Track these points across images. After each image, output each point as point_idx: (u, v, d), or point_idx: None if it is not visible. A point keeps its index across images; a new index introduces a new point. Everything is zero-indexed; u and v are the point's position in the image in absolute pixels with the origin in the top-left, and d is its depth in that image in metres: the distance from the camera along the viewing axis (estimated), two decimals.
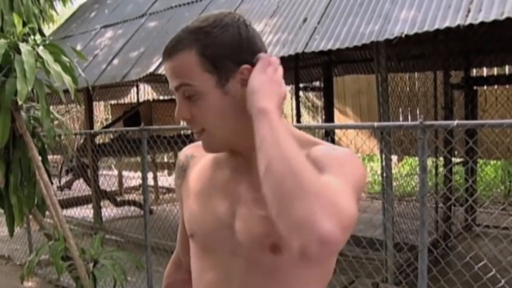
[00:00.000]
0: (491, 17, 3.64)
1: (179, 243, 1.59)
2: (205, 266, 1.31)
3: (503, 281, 3.35)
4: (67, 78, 3.70)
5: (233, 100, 1.19)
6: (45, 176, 3.89)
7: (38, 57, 3.61)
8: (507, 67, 8.04)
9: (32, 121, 4.10)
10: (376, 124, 3.18)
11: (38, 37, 4.30)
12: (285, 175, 0.97)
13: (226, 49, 1.19)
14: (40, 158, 3.93)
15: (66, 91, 3.85)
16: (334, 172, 1.09)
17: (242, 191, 1.26)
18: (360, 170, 1.16)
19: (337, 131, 7.03)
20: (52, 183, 4.28)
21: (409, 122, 4.31)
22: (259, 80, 1.16)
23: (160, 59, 5.98)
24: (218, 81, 1.18)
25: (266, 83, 1.15)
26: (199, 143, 1.41)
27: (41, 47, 3.68)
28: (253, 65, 1.20)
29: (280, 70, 1.21)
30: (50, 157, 4.70)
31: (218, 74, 1.18)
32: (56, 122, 4.34)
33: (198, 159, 1.41)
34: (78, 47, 7.76)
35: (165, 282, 1.64)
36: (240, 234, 1.24)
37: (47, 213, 4.24)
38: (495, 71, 8.20)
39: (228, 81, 1.19)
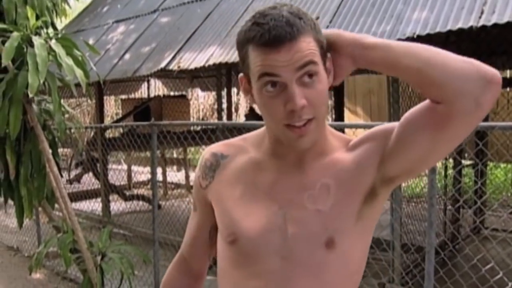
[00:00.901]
0: (504, 19, 3.62)
1: (188, 247, 1.52)
2: (248, 274, 1.26)
3: (510, 284, 3.34)
4: (79, 72, 3.71)
5: (327, 86, 1.22)
6: (55, 168, 3.92)
7: (50, 50, 3.62)
8: None
9: (43, 114, 4.12)
10: (386, 124, 3.18)
11: (50, 30, 4.31)
12: (434, 49, 1.12)
13: (322, 41, 1.19)
14: (50, 151, 3.96)
15: (77, 85, 3.87)
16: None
17: (293, 193, 1.25)
18: None
19: (346, 130, 7.01)
20: (62, 176, 4.30)
21: None
22: (329, 30, 1.24)
23: (172, 54, 6.01)
24: (324, 66, 1.19)
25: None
26: (226, 141, 1.41)
27: (53, 41, 3.70)
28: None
29: None
30: (60, 150, 4.73)
31: (324, 59, 1.19)
32: (67, 116, 4.36)
33: (230, 159, 1.35)
34: (91, 41, 7.79)
35: (168, 287, 1.56)
36: (295, 235, 1.22)
37: (56, 205, 4.27)
38: (507, 73, 8.16)
39: (325, 66, 1.20)
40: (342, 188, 1.22)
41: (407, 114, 1.18)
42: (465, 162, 6.67)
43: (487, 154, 5.79)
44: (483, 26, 3.72)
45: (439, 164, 5.69)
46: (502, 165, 9.57)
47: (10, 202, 4.22)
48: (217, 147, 1.41)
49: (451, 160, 6.50)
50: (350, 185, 1.22)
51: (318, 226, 1.21)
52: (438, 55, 1.10)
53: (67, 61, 3.64)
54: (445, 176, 6.37)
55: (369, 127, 4.03)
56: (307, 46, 1.13)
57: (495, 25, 3.66)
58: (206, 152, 1.42)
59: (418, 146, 1.15)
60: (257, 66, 1.15)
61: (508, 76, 8.04)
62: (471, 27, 3.74)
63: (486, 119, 6.71)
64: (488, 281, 3.43)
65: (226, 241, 1.30)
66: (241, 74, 1.25)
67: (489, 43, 6.21)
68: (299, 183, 1.24)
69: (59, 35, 3.95)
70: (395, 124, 1.21)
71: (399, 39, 4.07)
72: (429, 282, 3.05)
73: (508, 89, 7.34)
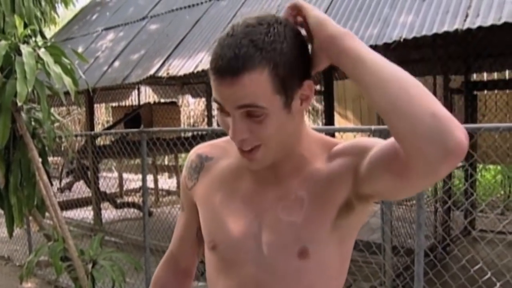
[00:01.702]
0: (488, 22, 3.66)
1: (177, 245, 1.55)
2: (227, 278, 1.29)
3: (498, 284, 3.37)
4: (67, 80, 3.72)
5: (292, 117, 1.15)
6: (45, 177, 3.92)
7: (38, 59, 3.63)
8: (507, 72, 8.06)
9: (32, 122, 4.12)
10: (373, 127, 3.21)
11: (39, 39, 4.32)
12: (408, 85, 1.01)
13: (292, 66, 1.11)
14: (40, 159, 3.95)
15: (67, 93, 3.88)
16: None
17: (268, 203, 1.25)
18: None
19: (335, 134, 7.05)
20: (52, 184, 4.30)
21: None
22: (319, 12, 1.13)
23: (161, 61, 6.02)
24: (285, 102, 1.12)
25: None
26: (212, 142, 1.42)
27: (42, 49, 3.71)
28: (311, 79, 1.16)
29: None
30: (50, 159, 4.73)
31: (286, 94, 1.11)
32: (57, 124, 4.37)
33: (214, 162, 1.36)
34: (80, 50, 7.78)
35: (158, 284, 1.58)
36: (268, 244, 1.24)
37: (46, 214, 4.26)
38: (495, 75, 8.22)
39: (293, 100, 1.13)
40: (316, 201, 1.22)
41: (381, 146, 1.11)
42: None
43: (474, 156, 5.83)
44: (469, 29, 3.76)
45: None
46: (492, 167, 9.63)
47: (0, 211, 4.21)
48: (203, 148, 1.42)
49: None
50: (324, 198, 1.21)
51: (291, 236, 1.22)
52: (409, 100, 0.98)
53: (55, 69, 3.64)
54: None
55: (358, 131, 4.03)
56: (250, 87, 1.07)
57: (480, 28, 3.71)
58: (192, 152, 1.43)
59: (383, 184, 1.12)
60: (212, 85, 1.14)
61: (495, 78, 8.10)
62: (456, 30, 3.78)
63: (474, 121, 6.77)
64: (477, 282, 3.45)
65: (208, 247, 1.33)
66: None
67: (475, 46, 6.26)
68: (274, 194, 1.25)
69: (48, 44, 3.96)
70: (376, 142, 1.16)
71: (385, 43, 4.12)
72: (418, 283, 3.07)
73: (495, 91, 7.40)
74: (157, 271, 1.60)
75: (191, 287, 1.61)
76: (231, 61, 1.07)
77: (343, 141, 1.29)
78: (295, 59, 1.11)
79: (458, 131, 0.95)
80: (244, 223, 1.27)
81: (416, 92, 0.99)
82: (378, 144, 1.14)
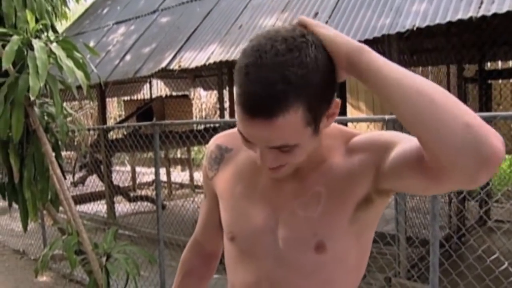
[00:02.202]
0: (504, 9, 3.60)
1: (201, 230, 1.59)
2: (244, 269, 1.32)
3: None
4: (79, 74, 3.72)
5: (319, 136, 1.14)
6: (58, 171, 3.92)
7: (50, 53, 3.63)
8: None
9: (45, 117, 4.13)
10: (387, 117, 3.17)
11: (51, 33, 4.32)
12: (434, 96, 0.94)
13: (324, 94, 1.06)
14: (53, 153, 3.96)
15: (79, 87, 3.88)
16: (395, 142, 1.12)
17: (285, 198, 1.25)
18: None
19: (349, 124, 7.01)
20: (65, 178, 4.31)
21: None
22: (327, 29, 1.07)
23: (173, 54, 6.01)
24: (314, 130, 1.09)
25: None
26: (231, 132, 1.42)
27: (54, 43, 3.71)
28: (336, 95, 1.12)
29: None
30: (64, 153, 4.73)
31: (315, 123, 1.08)
32: (69, 119, 4.37)
33: (234, 153, 1.37)
34: (91, 44, 7.80)
35: (184, 267, 1.62)
36: (284, 239, 1.24)
37: (60, 208, 4.28)
38: (510, 64, 8.13)
39: (320, 123, 1.10)
40: (334, 196, 1.20)
41: (408, 147, 1.06)
42: None
43: None
44: (483, 16, 3.70)
45: None
46: (507, 157, 9.54)
47: (15, 205, 4.23)
48: (222, 138, 1.42)
49: None
50: (342, 194, 1.19)
51: (307, 231, 1.22)
52: (436, 111, 0.92)
53: (67, 63, 3.64)
54: None
55: (371, 120, 4.00)
56: (284, 128, 1.02)
57: (495, 15, 3.65)
58: (212, 142, 1.44)
59: (411, 182, 1.08)
60: (236, 114, 1.08)
61: (510, 66, 8.00)
62: (470, 18, 3.72)
63: (488, 110, 6.70)
64: (494, 272, 3.42)
65: (227, 237, 1.36)
66: None
67: (491, 33, 6.18)
68: (292, 188, 1.25)
69: (60, 38, 3.96)
70: (398, 137, 1.13)
71: (398, 33, 4.07)
72: (434, 274, 3.04)
73: (510, 80, 7.32)
74: (184, 254, 1.65)
75: (216, 266, 1.66)
76: (264, 101, 0.99)
77: (361, 132, 1.26)
78: (326, 85, 1.06)
79: (494, 139, 0.90)
80: (261, 217, 1.27)
81: (444, 102, 0.93)
82: (402, 140, 1.10)
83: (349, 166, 1.19)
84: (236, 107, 1.06)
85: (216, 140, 1.43)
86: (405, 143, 1.09)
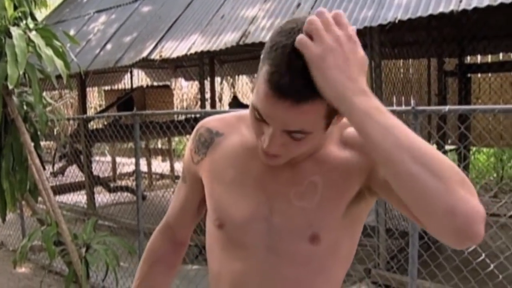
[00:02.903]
0: (484, 3, 3.63)
1: (176, 215, 1.50)
2: (233, 257, 1.28)
3: (492, 265, 3.38)
4: (59, 63, 3.67)
5: (326, 132, 1.13)
6: (37, 161, 3.88)
7: (29, 42, 3.58)
8: (501, 54, 8.04)
9: (24, 106, 4.08)
10: None
11: (29, 21, 4.26)
12: (425, 175, 0.90)
13: None
14: (32, 143, 3.92)
15: (59, 77, 3.83)
16: None
17: (281, 185, 1.23)
18: None
19: None
20: (44, 168, 4.27)
21: (402, 107, 4.32)
22: (326, 54, 0.98)
23: (154, 44, 5.97)
24: (327, 124, 1.09)
25: (339, 56, 0.99)
26: (221, 117, 1.37)
27: (33, 32, 3.66)
28: None
29: (344, 20, 1.02)
30: (43, 143, 4.69)
31: (331, 118, 1.08)
32: (49, 108, 4.33)
33: (224, 138, 1.31)
34: (71, 32, 7.69)
35: (154, 254, 1.53)
36: (278, 227, 1.22)
37: (39, 198, 4.24)
38: (489, 58, 8.20)
39: (332, 120, 1.09)
40: (330, 189, 1.20)
41: None
42: (448, 147, 6.72)
43: (469, 138, 5.83)
44: (464, 10, 3.73)
45: None
46: (485, 150, 9.66)
47: None
48: (212, 122, 1.36)
49: (434, 146, 6.55)
50: (338, 188, 1.20)
51: (303, 222, 1.21)
52: (424, 192, 0.90)
53: (46, 51, 3.60)
54: None
55: None
56: (309, 114, 1.03)
57: (476, 9, 3.68)
58: (201, 125, 1.38)
59: (403, 207, 1.07)
60: (258, 94, 1.06)
61: (489, 60, 8.07)
62: (452, 11, 3.75)
63: (468, 103, 6.77)
64: (471, 264, 3.46)
65: (214, 224, 1.31)
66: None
67: (470, 28, 6.23)
68: (288, 176, 1.23)
69: (39, 26, 3.90)
70: None
71: (380, 25, 4.09)
72: (413, 265, 3.07)
73: (489, 74, 7.39)
74: (152, 239, 1.55)
75: (183, 256, 1.59)
76: (299, 85, 0.99)
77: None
78: None
79: (476, 226, 0.89)
80: (254, 204, 1.24)
81: (431, 185, 0.89)
82: None
83: (345, 160, 1.19)
84: (262, 84, 1.04)
85: (206, 123, 1.37)
86: None
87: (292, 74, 0.99)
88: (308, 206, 1.20)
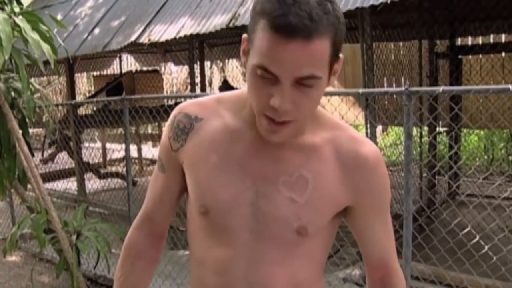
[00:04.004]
0: None
1: (156, 205, 1.44)
2: (217, 244, 1.26)
3: (486, 247, 3.37)
4: (46, 47, 3.61)
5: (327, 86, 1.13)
6: (26, 148, 3.83)
7: (15, 26, 3.51)
8: (491, 36, 8.01)
9: (12, 93, 4.01)
10: (361, 90, 3.15)
11: (15, 5, 4.17)
12: None
13: (341, 40, 1.08)
14: (20, 130, 3.86)
15: (46, 62, 3.76)
16: (385, 209, 1.31)
17: (268, 169, 1.21)
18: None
19: (322, 98, 6.99)
20: (33, 155, 4.21)
21: (394, 88, 4.28)
22: None
23: (142, 27, 5.89)
24: (329, 72, 1.10)
25: None
26: (199, 101, 1.33)
27: (19, 16, 3.59)
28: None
29: None
30: (33, 130, 4.62)
31: (332, 65, 1.09)
32: (37, 95, 4.26)
33: (204, 122, 1.27)
34: (59, 17, 7.58)
35: (134, 249, 1.47)
36: (265, 213, 1.21)
37: (29, 186, 4.18)
38: (480, 40, 8.17)
39: (331, 71, 1.11)
40: (321, 193, 1.21)
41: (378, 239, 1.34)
42: (440, 129, 6.72)
43: (461, 120, 5.82)
44: None
45: (414, 132, 5.71)
46: (476, 132, 9.68)
47: None
48: (190, 106, 1.31)
49: (426, 128, 6.54)
50: (329, 197, 1.22)
51: (291, 213, 1.20)
52: None
53: (33, 36, 3.53)
54: (421, 143, 6.41)
55: (345, 94, 3.99)
56: (319, 53, 1.03)
57: None
58: (178, 111, 1.32)
59: (358, 239, 1.37)
60: (261, 48, 1.05)
61: (480, 42, 8.05)
62: None
63: (459, 84, 6.75)
64: (465, 245, 3.45)
65: (198, 211, 1.27)
66: (245, 35, 1.15)
67: (462, 9, 6.20)
68: (274, 161, 1.21)
69: (24, 10, 3.82)
70: (387, 209, 1.32)
71: (372, 6, 4.03)
72: (407, 248, 3.06)
73: (480, 56, 7.37)
74: (130, 234, 1.50)
75: (163, 246, 1.54)
76: (305, 20, 0.99)
77: (346, 127, 1.27)
78: (343, 35, 1.09)
79: None
80: (240, 189, 1.22)
81: None
82: (387, 221, 1.33)
83: (341, 176, 1.22)
84: (265, 34, 1.03)
85: (184, 108, 1.31)
86: (384, 232, 1.33)
87: (296, 12, 0.99)
88: (297, 199, 1.19)
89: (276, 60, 1.03)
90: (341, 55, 1.12)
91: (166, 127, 1.35)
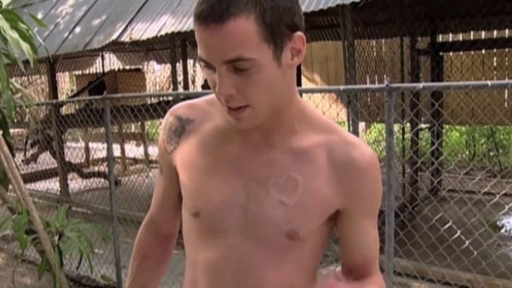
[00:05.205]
0: None
1: (157, 209, 1.46)
2: (208, 245, 1.25)
3: (467, 242, 3.40)
4: (25, 46, 3.58)
5: (282, 72, 1.09)
6: (6, 148, 3.79)
7: None
8: (471, 33, 8.08)
9: None
10: (342, 87, 3.16)
11: None
12: None
13: (282, 13, 1.05)
14: (0, 130, 3.82)
15: (27, 62, 3.72)
16: (375, 214, 1.29)
17: (258, 170, 1.20)
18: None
19: (303, 95, 7.01)
20: (14, 155, 4.17)
21: (376, 85, 4.30)
22: None
23: (124, 26, 5.85)
24: (274, 52, 1.06)
25: None
26: (191, 102, 1.33)
27: None
28: (302, 31, 1.10)
29: None
30: (15, 130, 4.58)
31: (275, 43, 1.05)
32: (19, 95, 4.23)
33: (196, 124, 1.27)
34: (39, 16, 7.51)
35: (141, 251, 1.51)
36: (256, 215, 1.20)
37: (10, 187, 4.14)
38: (460, 37, 8.24)
39: (282, 51, 1.07)
40: (311, 196, 1.19)
41: (364, 245, 1.32)
42: (422, 125, 6.76)
43: (443, 116, 5.87)
44: None
45: (396, 128, 5.74)
46: (457, 128, 9.76)
47: None
48: (182, 109, 1.32)
49: (408, 124, 6.58)
50: (320, 200, 1.20)
51: (281, 216, 1.19)
52: None
53: (12, 34, 3.50)
54: (403, 139, 6.45)
55: (326, 91, 3.99)
56: (239, 34, 1.01)
57: None
58: (170, 114, 1.33)
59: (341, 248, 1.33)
60: (195, 34, 1.07)
61: (460, 39, 8.11)
62: None
63: (441, 81, 6.80)
64: (447, 241, 3.49)
65: (189, 213, 1.28)
66: None
67: (442, 6, 6.24)
68: (265, 163, 1.20)
69: (3, 9, 3.78)
70: (374, 214, 1.30)
71: (353, 2, 4.04)
72: (389, 244, 3.07)
73: (461, 52, 7.43)
74: (139, 236, 1.52)
75: (173, 247, 1.56)
76: (215, 5, 1.00)
77: (341, 130, 1.25)
78: (285, 4, 1.05)
79: None
80: (230, 190, 1.21)
81: None
82: (373, 228, 1.31)
83: (332, 179, 1.20)
84: (194, 27, 1.06)
85: (175, 111, 1.32)
86: (370, 238, 1.31)
87: (207, 0, 1.02)
88: (286, 201, 1.18)
89: (202, 48, 1.06)
90: (299, 33, 1.09)
91: (161, 130, 1.37)
